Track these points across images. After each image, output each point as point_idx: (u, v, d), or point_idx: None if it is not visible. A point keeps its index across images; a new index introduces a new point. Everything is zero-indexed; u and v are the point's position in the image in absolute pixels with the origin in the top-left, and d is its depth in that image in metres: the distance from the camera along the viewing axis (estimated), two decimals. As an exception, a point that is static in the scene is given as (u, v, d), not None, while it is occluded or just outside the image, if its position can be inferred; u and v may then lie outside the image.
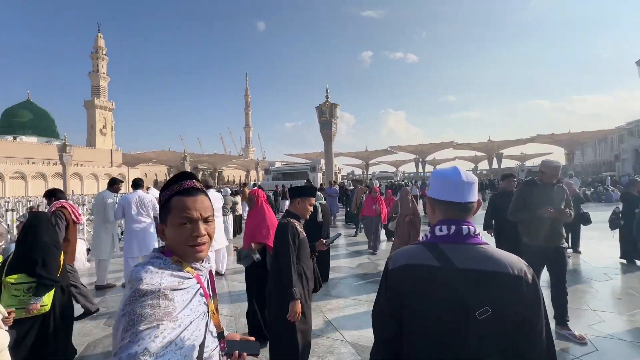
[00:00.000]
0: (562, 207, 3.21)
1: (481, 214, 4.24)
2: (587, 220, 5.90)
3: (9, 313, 1.79)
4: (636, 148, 45.93)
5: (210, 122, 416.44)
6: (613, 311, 3.88)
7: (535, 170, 36.07)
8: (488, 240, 1.13)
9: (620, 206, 6.10)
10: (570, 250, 6.34)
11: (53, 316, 2.66)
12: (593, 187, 23.23)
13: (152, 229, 5.18)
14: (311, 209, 2.62)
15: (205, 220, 0.97)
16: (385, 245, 8.01)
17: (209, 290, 1.02)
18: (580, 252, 6.56)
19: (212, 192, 5.99)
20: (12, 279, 2.45)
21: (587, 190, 20.68)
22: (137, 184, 5.42)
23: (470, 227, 1.02)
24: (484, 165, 60.02)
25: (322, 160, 29.98)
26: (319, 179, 30.63)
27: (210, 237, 0.99)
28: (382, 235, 8.32)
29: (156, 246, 1.91)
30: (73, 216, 4.12)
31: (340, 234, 3.31)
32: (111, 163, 67.02)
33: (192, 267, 0.96)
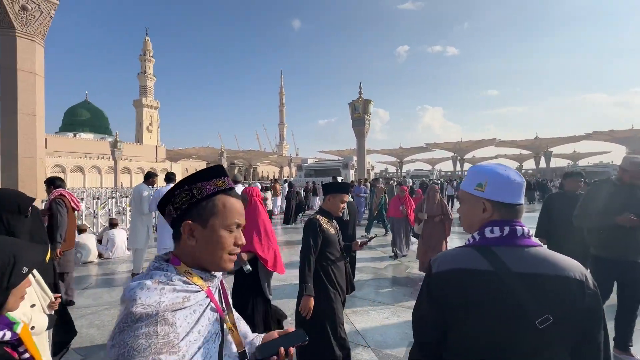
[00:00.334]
0: None
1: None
2: None
3: (55, 298, 1.84)
4: None
5: (246, 119, 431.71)
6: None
7: (591, 171, 32.88)
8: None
9: None
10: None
11: None
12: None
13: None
14: (343, 206, 2.54)
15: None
16: (414, 248, 7.57)
17: (221, 304, 0.86)
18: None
19: (238, 188, 6.04)
20: None
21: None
22: (170, 178, 5.63)
23: (524, 227, 0.95)
24: (529, 165, 56.05)
25: (355, 158, 29.66)
26: (350, 176, 30.35)
27: None
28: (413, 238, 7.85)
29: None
30: (72, 204, 4.32)
31: (375, 235, 3.17)
32: (156, 158, 71.68)
33: (201, 278, 0.80)
